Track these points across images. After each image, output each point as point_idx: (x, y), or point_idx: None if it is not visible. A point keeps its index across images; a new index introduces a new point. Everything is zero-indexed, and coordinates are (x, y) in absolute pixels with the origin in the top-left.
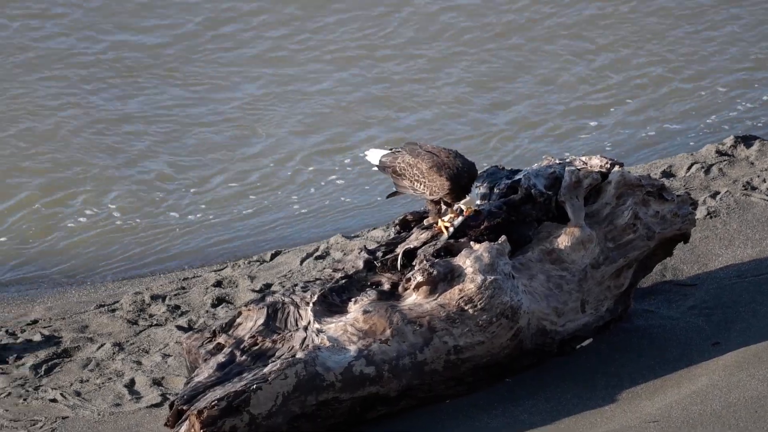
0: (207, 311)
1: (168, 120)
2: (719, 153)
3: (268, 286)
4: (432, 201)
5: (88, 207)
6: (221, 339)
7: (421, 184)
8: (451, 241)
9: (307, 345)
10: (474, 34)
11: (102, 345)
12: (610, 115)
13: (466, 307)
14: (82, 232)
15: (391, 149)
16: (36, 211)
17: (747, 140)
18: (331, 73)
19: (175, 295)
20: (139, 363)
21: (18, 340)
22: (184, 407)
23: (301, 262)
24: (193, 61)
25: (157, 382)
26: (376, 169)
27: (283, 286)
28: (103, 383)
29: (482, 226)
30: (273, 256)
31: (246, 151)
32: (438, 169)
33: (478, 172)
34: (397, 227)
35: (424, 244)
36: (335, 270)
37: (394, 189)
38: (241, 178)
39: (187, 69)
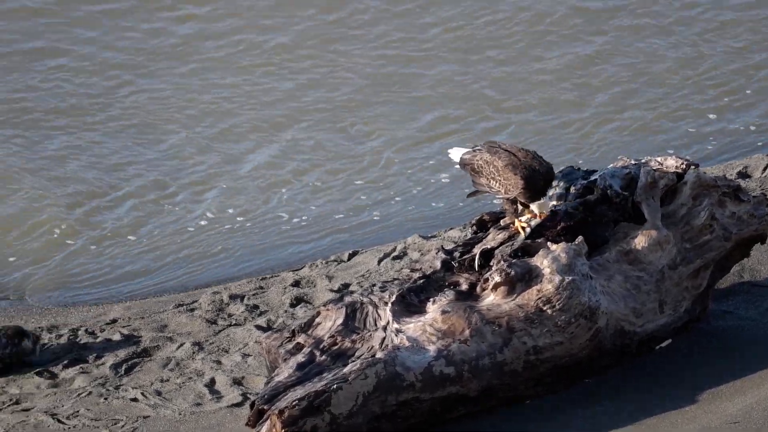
0: (285, 311)
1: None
2: None
3: (346, 286)
4: (509, 201)
5: (179, 206)
6: (300, 339)
7: (496, 182)
8: (528, 241)
9: (387, 345)
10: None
11: (182, 344)
12: (689, 115)
13: (544, 308)
14: (163, 234)
15: (472, 147)
16: (131, 210)
17: None
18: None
19: (254, 294)
20: (219, 362)
21: (98, 340)
22: (265, 407)
23: (379, 262)
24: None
25: (237, 382)
26: (458, 167)
27: (362, 286)
28: (183, 383)
29: (559, 227)
30: (351, 256)
31: (330, 151)
32: (513, 167)
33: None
34: (474, 227)
35: (501, 244)
36: (413, 270)
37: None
38: (325, 178)
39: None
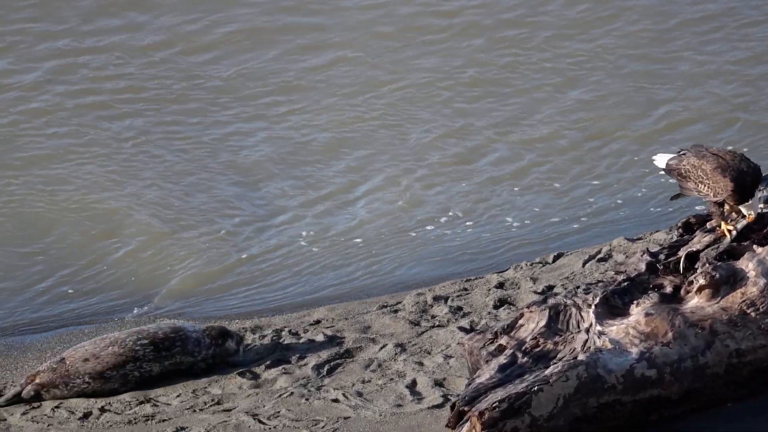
0: (489, 312)
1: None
2: None
3: (550, 288)
4: (715, 203)
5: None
6: (503, 340)
7: (705, 186)
8: (734, 244)
9: (589, 347)
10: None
11: (384, 345)
12: None
13: (748, 311)
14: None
15: (678, 152)
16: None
17: None
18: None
19: (458, 296)
20: (420, 364)
21: (301, 341)
22: (466, 408)
23: (584, 264)
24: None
25: (438, 383)
26: (662, 172)
27: (565, 288)
28: (384, 384)
29: (765, 230)
30: (555, 258)
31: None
32: (722, 170)
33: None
34: (680, 230)
35: (707, 247)
36: (617, 272)
37: (679, 191)
38: (521, 173)
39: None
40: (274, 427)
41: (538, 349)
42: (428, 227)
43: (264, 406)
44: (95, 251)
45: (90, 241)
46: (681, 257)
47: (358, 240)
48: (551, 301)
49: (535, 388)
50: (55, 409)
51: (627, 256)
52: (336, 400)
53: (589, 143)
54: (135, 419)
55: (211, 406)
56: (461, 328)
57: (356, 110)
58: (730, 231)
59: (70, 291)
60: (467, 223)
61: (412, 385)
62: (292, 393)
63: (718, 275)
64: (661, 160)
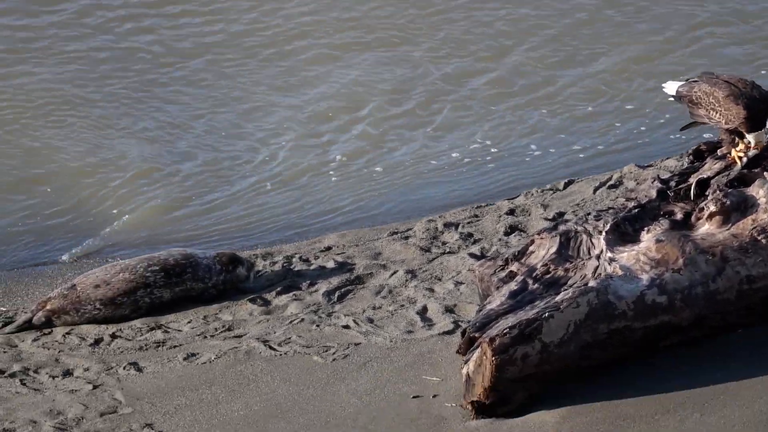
0: (499, 239)
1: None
2: None
3: (561, 214)
4: (726, 131)
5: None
6: (513, 267)
7: (716, 113)
8: (745, 171)
9: (600, 274)
10: None
11: (395, 272)
12: None
13: (759, 237)
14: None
15: (687, 79)
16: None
17: None
18: None
19: (468, 223)
20: (431, 290)
21: (312, 267)
22: (476, 335)
23: (594, 191)
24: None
25: (449, 310)
26: (671, 99)
27: (576, 215)
28: (395, 310)
29: None
30: (566, 185)
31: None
32: (735, 98)
33: None
34: (691, 157)
35: (718, 174)
36: (628, 199)
37: (690, 120)
38: (534, 103)
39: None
40: (285, 353)
41: (548, 276)
42: (453, 154)
43: (275, 333)
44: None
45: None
46: (692, 184)
47: (378, 168)
48: (562, 228)
49: (546, 314)
50: (66, 336)
51: (638, 183)
52: (347, 327)
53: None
54: (146, 345)
55: (221, 332)
56: (472, 255)
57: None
58: (740, 158)
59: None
60: (493, 150)
61: (422, 312)
62: (302, 319)
63: (728, 202)
64: (671, 87)
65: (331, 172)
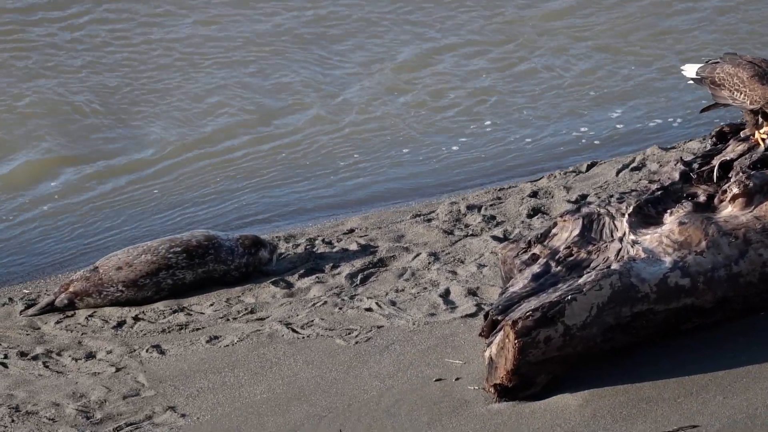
0: (522, 221)
1: None
2: None
3: (584, 197)
4: (750, 112)
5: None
6: (536, 249)
7: (741, 94)
8: None
9: (622, 256)
10: None
11: (417, 255)
12: None
13: None
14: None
15: (707, 61)
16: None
17: None
18: None
19: (491, 205)
20: (454, 273)
21: (334, 250)
22: (499, 317)
23: (617, 173)
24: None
25: (472, 292)
26: (691, 82)
27: (599, 197)
28: (418, 293)
29: None
30: (589, 167)
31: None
32: (759, 78)
33: None
34: (714, 139)
35: (741, 156)
36: (651, 181)
37: (713, 101)
38: (554, 85)
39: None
40: (308, 336)
41: (571, 258)
42: (478, 131)
43: (297, 315)
44: None
45: None
46: (714, 166)
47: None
48: (585, 210)
49: (569, 297)
50: (89, 318)
51: (660, 165)
52: (369, 309)
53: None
54: (169, 328)
55: (244, 314)
56: (495, 237)
57: None
58: (764, 140)
59: None
60: (523, 130)
61: (445, 294)
62: (325, 302)
63: (751, 184)
64: (690, 70)
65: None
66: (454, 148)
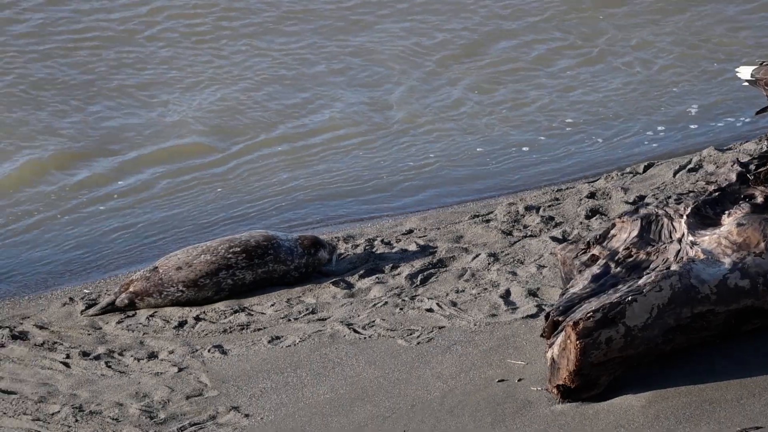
0: (581, 222)
1: None
2: None
3: (641, 198)
4: None
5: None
6: (595, 250)
7: None
8: None
9: (681, 257)
10: None
11: (477, 255)
12: None
13: None
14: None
15: (761, 63)
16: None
17: None
18: None
19: (549, 206)
20: (514, 273)
21: (394, 250)
22: (560, 318)
23: (674, 174)
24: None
25: (532, 293)
26: (746, 84)
27: (657, 198)
28: (478, 293)
29: None
30: (646, 168)
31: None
32: None
33: None
34: None
35: None
36: (708, 182)
37: (766, 104)
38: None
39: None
40: (369, 337)
41: (630, 259)
42: (540, 138)
43: (358, 316)
44: None
45: None
46: None
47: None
48: (643, 211)
49: (629, 298)
50: (150, 318)
51: (717, 167)
52: (430, 310)
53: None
54: (230, 328)
55: (305, 315)
56: (553, 238)
57: None
58: None
59: None
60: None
61: (506, 295)
62: (386, 302)
63: None
64: (744, 72)
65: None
66: (525, 149)
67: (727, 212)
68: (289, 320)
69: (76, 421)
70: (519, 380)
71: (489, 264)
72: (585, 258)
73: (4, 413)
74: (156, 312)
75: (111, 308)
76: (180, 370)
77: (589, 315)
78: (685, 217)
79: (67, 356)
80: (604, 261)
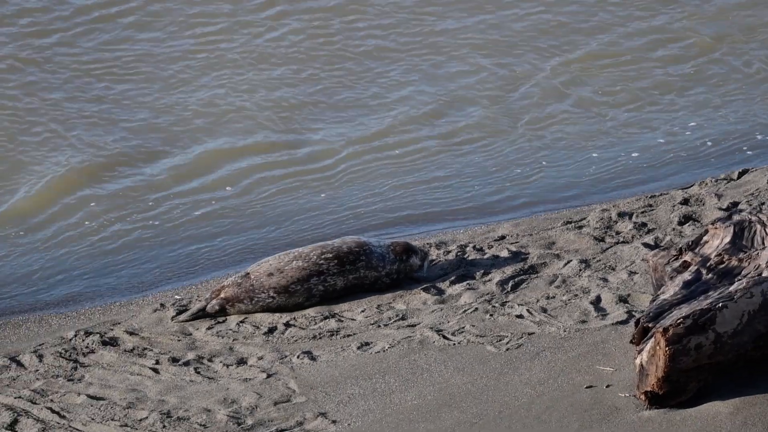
0: (673, 229)
1: None
2: None
3: (735, 204)
4: None
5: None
6: (687, 257)
7: None
8: None
9: None
10: None
11: (568, 262)
12: None
13: None
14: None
15: None
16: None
17: None
18: None
19: (642, 212)
20: (605, 280)
21: (485, 256)
22: (650, 324)
23: None
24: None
25: (622, 299)
26: None
27: (750, 205)
28: (569, 300)
29: None
30: (740, 175)
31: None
32: None
33: None
34: None
35: None
36: None
37: None
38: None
39: None
40: (459, 343)
41: (722, 266)
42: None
43: (448, 322)
44: None
45: None
46: None
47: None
48: (736, 218)
49: (720, 304)
50: (240, 324)
51: None
52: (520, 316)
53: None
54: (320, 334)
55: (395, 321)
56: (646, 245)
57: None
58: None
59: None
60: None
61: (596, 302)
62: (476, 309)
63: None
64: None
65: None
66: (633, 154)
67: None
68: (379, 326)
69: (164, 427)
70: (607, 386)
71: (580, 270)
72: (677, 264)
73: (93, 419)
74: (246, 318)
75: (202, 314)
76: (269, 376)
77: (678, 321)
78: None
79: (157, 362)
80: (696, 267)
